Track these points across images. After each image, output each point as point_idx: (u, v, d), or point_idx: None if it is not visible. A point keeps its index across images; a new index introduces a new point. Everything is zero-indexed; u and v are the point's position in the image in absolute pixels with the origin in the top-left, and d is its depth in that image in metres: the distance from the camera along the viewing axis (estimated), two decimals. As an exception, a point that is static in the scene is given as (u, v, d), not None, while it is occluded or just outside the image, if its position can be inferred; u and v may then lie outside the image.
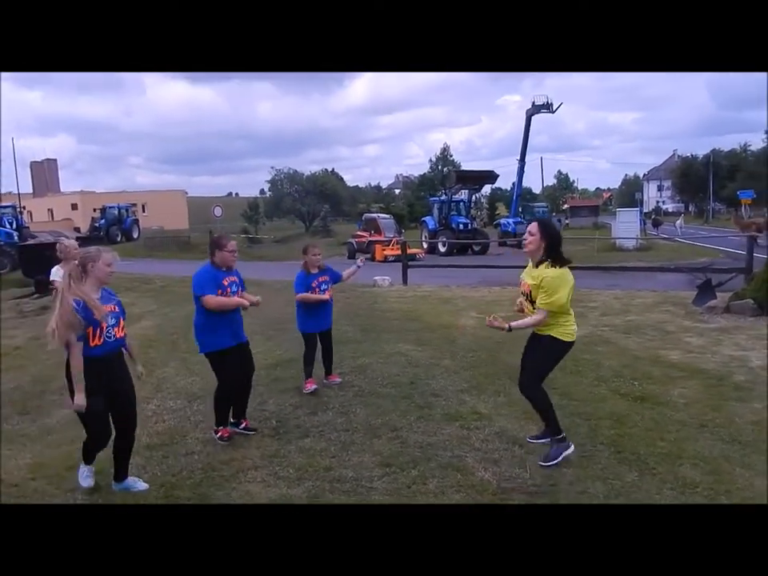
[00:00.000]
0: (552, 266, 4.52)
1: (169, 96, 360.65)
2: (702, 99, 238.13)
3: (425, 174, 72.32)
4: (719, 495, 4.06)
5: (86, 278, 4.15)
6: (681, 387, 6.35)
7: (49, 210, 58.36)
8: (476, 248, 30.57)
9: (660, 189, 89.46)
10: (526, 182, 42.26)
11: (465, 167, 57.79)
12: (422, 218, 36.93)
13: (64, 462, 5.01)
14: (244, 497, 4.32)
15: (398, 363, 7.71)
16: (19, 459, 5.15)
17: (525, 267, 4.95)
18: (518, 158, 38.53)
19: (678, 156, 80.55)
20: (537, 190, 76.53)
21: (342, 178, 78.02)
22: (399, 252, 22.20)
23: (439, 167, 69.96)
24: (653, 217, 49.83)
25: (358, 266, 7.02)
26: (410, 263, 17.78)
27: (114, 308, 4.27)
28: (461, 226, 32.44)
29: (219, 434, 5.33)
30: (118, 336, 4.27)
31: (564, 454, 4.66)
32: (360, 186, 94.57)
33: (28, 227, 35.07)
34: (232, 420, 5.59)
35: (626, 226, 28.03)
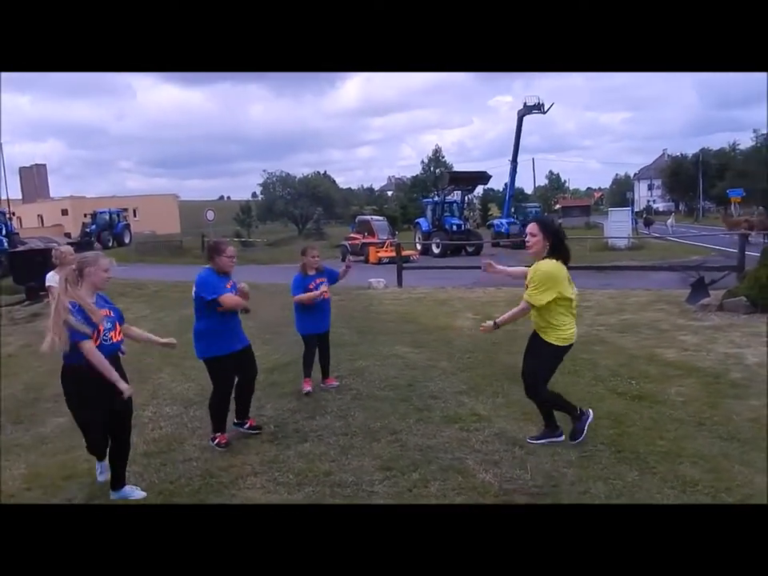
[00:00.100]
0: (550, 258, 4.58)
1: (160, 99, 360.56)
2: (691, 99, 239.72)
3: (417, 175, 72.48)
4: (720, 493, 4.06)
5: (82, 282, 4.14)
6: (678, 385, 6.35)
7: (39, 215, 58.08)
8: (470, 249, 30.61)
9: (650, 188, 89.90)
10: (518, 183, 42.39)
11: (457, 168, 57.72)
12: (416, 220, 36.95)
13: (59, 471, 4.97)
14: (244, 503, 4.28)
15: (395, 365, 7.69)
16: (14, 469, 5.09)
17: (525, 267, 4.98)
18: (510, 158, 38.66)
19: (668, 155, 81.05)
20: (529, 190, 76.71)
21: (334, 181, 78.06)
22: (393, 254, 22.21)
23: (431, 169, 70.08)
24: (644, 216, 49.99)
25: (348, 267, 7.02)
26: (404, 265, 17.76)
27: (110, 312, 4.26)
28: (454, 227, 32.48)
29: (217, 440, 5.30)
30: (114, 340, 4.25)
31: (587, 423, 4.93)
32: (353, 188, 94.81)
33: (18, 233, 34.83)
34: (236, 421, 5.62)
35: (618, 225, 28.15)
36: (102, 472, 4.60)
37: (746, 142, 66.64)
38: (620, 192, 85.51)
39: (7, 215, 33.82)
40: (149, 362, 8.49)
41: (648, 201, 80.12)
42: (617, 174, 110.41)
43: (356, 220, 35.33)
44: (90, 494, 4.57)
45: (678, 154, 74.96)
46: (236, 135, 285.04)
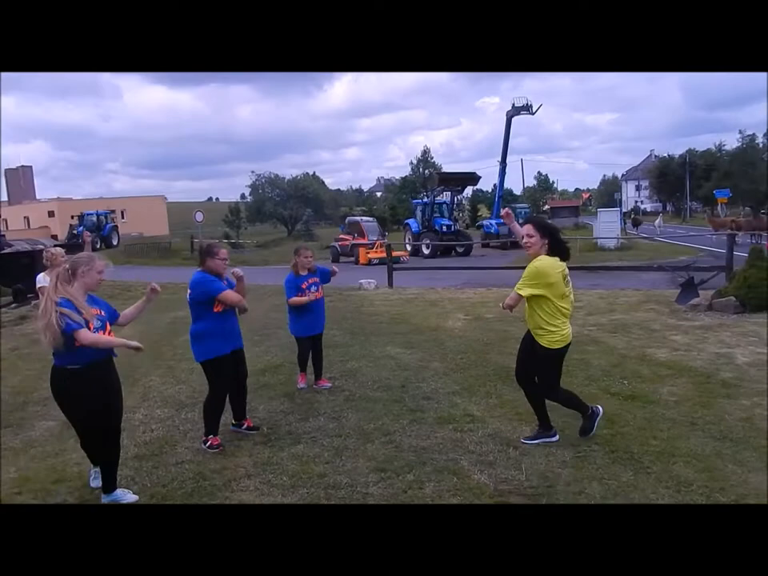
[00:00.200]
0: (547, 254, 4.67)
1: (147, 100, 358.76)
2: (677, 100, 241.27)
3: (406, 176, 72.57)
4: (714, 493, 4.06)
5: (74, 282, 4.09)
6: (670, 385, 6.37)
7: (25, 217, 57.63)
8: (459, 249, 30.64)
9: (638, 189, 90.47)
10: (507, 184, 42.45)
11: (446, 169, 57.74)
12: (405, 221, 36.95)
13: (49, 475, 4.90)
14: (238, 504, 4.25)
15: (387, 366, 7.67)
16: (3, 474, 5.02)
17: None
18: (499, 159, 38.73)
19: (655, 156, 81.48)
20: (518, 191, 76.90)
21: (323, 182, 77.97)
22: (383, 255, 22.20)
23: (420, 169, 70.22)
24: (632, 216, 50.21)
25: (334, 271, 7.00)
26: (394, 265, 17.76)
27: (100, 312, 4.22)
28: (444, 228, 32.51)
29: (209, 443, 5.26)
30: None
31: (597, 420, 5.02)
32: (341, 189, 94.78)
33: (4, 235, 34.55)
34: (233, 422, 5.63)
35: (607, 225, 28.21)
36: (96, 477, 4.54)
37: (731, 142, 67.09)
38: (608, 192, 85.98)
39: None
40: (139, 365, 8.41)
41: (636, 201, 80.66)
42: (604, 175, 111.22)
43: (346, 221, 35.30)
44: (80, 497, 4.51)
45: (665, 154, 75.52)
46: (224, 136, 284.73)
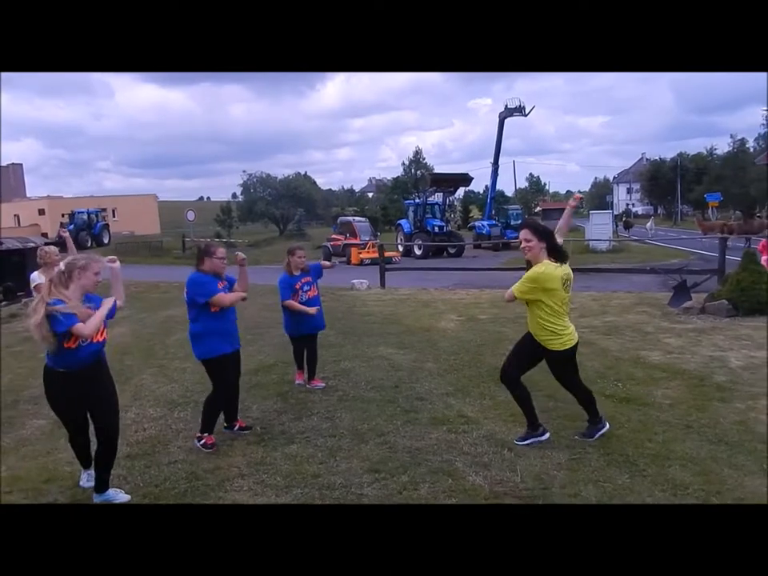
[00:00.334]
0: (548, 260, 4.67)
1: (138, 99, 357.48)
2: (668, 104, 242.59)
3: (398, 177, 72.50)
4: (710, 496, 4.06)
5: (70, 284, 4.05)
6: (664, 388, 6.37)
7: (15, 215, 57.17)
8: (451, 250, 30.63)
9: (629, 192, 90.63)
10: (499, 185, 42.45)
11: (437, 170, 57.75)
12: (397, 221, 36.91)
13: (40, 474, 4.85)
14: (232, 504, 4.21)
15: (380, 367, 7.65)
16: (-6, 473, 4.97)
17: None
18: (491, 160, 38.70)
19: (647, 159, 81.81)
20: (509, 192, 76.98)
21: (315, 182, 77.78)
22: (375, 255, 22.16)
23: (412, 170, 70.17)
24: (624, 219, 50.38)
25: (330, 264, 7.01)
26: (386, 266, 17.74)
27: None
28: (436, 229, 32.50)
29: (204, 441, 5.22)
30: (95, 340, 4.15)
31: (599, 434, 5.03)
32: (333, 189, 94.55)
33: (-6, 233, 34.30)
34: (225, 424, 5.59)
35: (599, 228, 28.27)
36: (89, 480, 4.50)
37: (723, 147, 67.42)
38: (599, 195, 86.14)
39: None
40: (130, 363, 8.37)
41: (627, 204, 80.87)
42: (596, 178, 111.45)
43: (338, 221, 35.23)
44: (71, 497, 4.46)
45: (657, 158, 75.82)
46: (216, 135, 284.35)
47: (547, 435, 5.03)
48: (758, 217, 35.84)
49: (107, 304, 4.20)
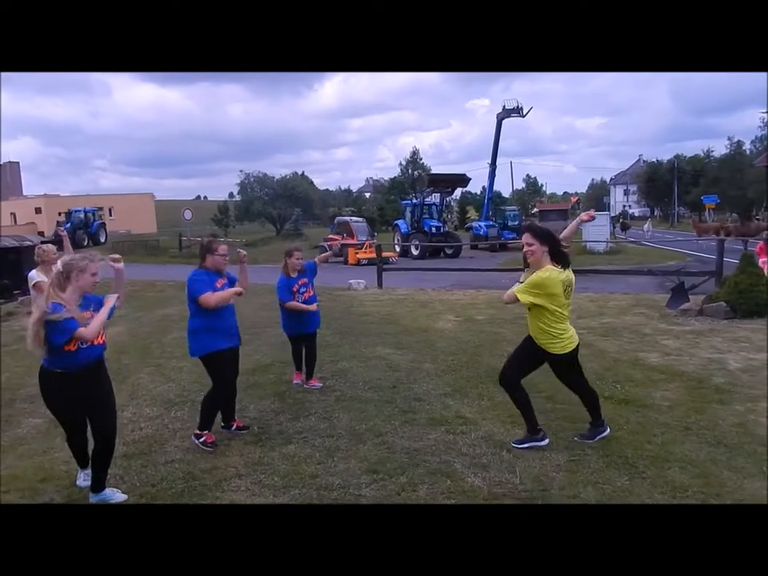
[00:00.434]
0: (556, 265, 4.66)
1: (136, 98, 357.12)
2: (666, 105, 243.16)
3: (395, 177, 72.40)
4: (710, 498, 4.04)
5: (68, 285, 4.02)
6: (663, 390, 6.36)
7: (12, 213, 57.03)
8: (448, 251, 30.61)
9: (626, 193, 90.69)
10: (496, 186, 42.37)
11: (435, 171, 57.73)
12: (394, 221, 36.89)
13: (36, 473, 4.81)
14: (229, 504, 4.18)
15: (378, 367, 7.63)
16: (-11, 471, 4.94)
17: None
18: (489, 161, 38.74)
19: (644, 161, 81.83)
20: (506, 193, 76.97)
21: (312, 182, 77.76)
22: (372, 255, 22.14)
23: (409, 171, 70.09)
24: (621, 221, 50.42)
25: (329, 249, 7.00)
26: (384, 266, 17.72)
27: (93, 315, 4.15)
28: (433, 229, 32.49)
29: (203, 438, 5.19)
30: (95, 343, 4.12)
31: (600, 437, 5.01)
32: (330, 189, 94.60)
33: (-10, 231, 34.21)
34: (222, 424, 5.56)
35: (596, 229, 28.24)
36: (86, 479, 4.48)
37: (720, 149, 67.56)
38: (596, 197, 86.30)
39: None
40: (127, 363, 8.33)
41: (624, 206, 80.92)
42: (593, 179, 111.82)
43: (335, 221, 35.19)
44: (68, 496, 4.43)
45: (654, 159, 75.91)
46: (214, 135, 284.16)
47: (546, 441, 4.97)
48: (757, 219, 35.92)
49: (108, 304, 4.17)
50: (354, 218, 35.94)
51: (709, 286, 11.97)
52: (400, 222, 34.74)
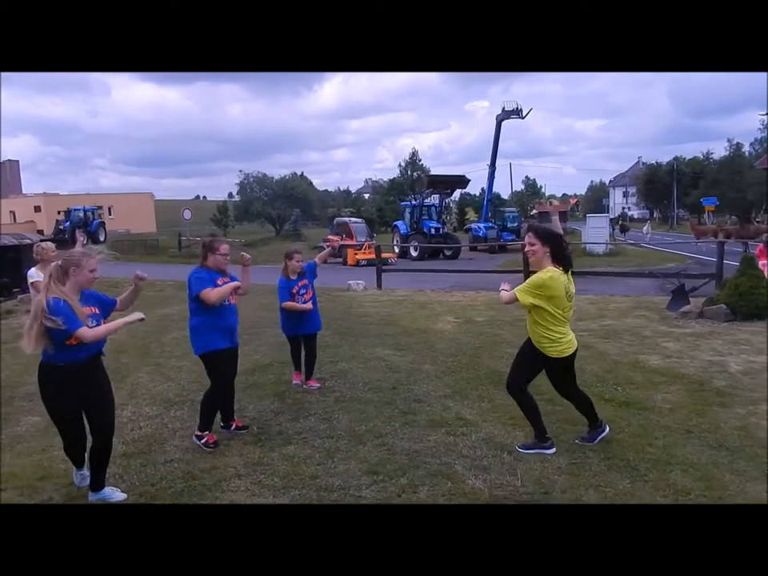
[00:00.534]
0: (553, 266, 4.62)
1: (135, 97, 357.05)
2: (665, 107, 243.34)
3: (394, 178, 72.38)
4: (712, 502, 4.02)
5: (66, 280, 4.00)
6: (664, 392, 6.34)
7: (11, 212, 56.93)
8: (448, 252, 30.61)
9: (625, 195, 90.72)
10: (495, 188, 42.41)
11: (434, 172, 57.78)
12: (394, 223, 36.89)
13: (35, 471, 4.79)
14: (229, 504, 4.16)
15: (377, 368, 7.61)
16: (-13, 470, 4.91)
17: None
18: (488, 163, 38.82)
19: (643, 163, 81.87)
20: (506, 195, 77.00)
21: (311, 182, 77.72)
22: (371, 256, 22.13)
23: (408, 172, 70.08)
24: (620, 223, 50.42)
25: (329, 246, 6.97)
26: (383, 267, 17.70)
27: (93, 310, 4.13)
28: (432, 231, 32.48)
29: (205, 439, 5.18)
30: None
31: (600, 438, 5.01)
32: (329, 190, 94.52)
33: (-10, 229, 34.15)
34: (222, 424, 5.54)
35: (595, 231, 28.31)
36: (83, 479, 4.46)
37: (719, 151, 67.67)
38: (595, 198, 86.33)
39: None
40: (126, 362, 8.31)
41: (623, 208, 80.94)
42: (592, 181, 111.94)
43: (334, 222, 35.20)
44: (67, 494, 4.41)
45: (653, 161, 75.89)
46: (213, 135, 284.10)
47: (553, 450, 4.88)
48: (756, 222, 35.93)
49: (128, 319, 4.14)
50: (353, 219, 35.96)
51: (709, 289, 11.97)
52: (399, 223, 34.75)
